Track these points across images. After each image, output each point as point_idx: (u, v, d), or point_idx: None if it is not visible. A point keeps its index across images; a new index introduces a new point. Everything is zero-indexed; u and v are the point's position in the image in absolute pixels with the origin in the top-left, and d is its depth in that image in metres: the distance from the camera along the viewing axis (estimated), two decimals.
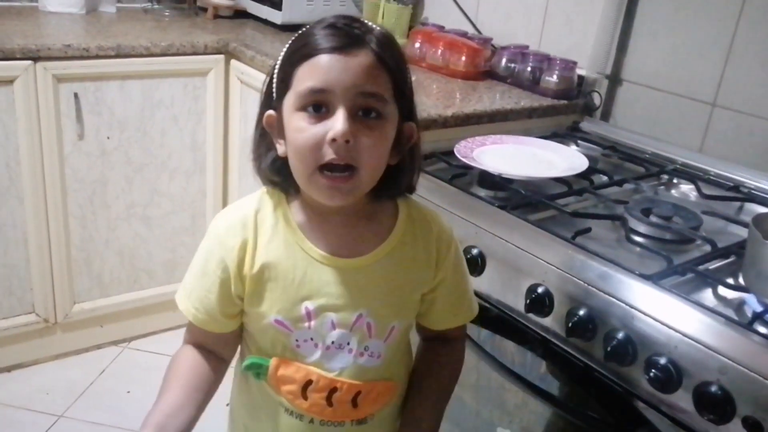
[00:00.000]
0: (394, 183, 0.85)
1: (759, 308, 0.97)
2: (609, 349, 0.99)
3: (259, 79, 1.89)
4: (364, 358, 0.86)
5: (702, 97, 1.57)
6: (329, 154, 0.75)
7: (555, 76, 1.77)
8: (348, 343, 0.85)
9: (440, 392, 0.95)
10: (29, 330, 2.01)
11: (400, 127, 0.81)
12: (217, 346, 0.90)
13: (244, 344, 0.92)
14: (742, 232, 1.21)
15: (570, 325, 1.04)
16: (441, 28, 2.08)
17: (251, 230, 0.84)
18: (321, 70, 0.75)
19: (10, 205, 1.85)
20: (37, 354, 2.07)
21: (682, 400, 0.93)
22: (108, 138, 1.94)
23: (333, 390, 0.86)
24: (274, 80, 0.82)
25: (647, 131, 1.66)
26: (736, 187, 1.43)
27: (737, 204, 1.38)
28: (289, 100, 0.78)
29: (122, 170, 2.00)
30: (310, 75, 0.76)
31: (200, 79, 2.02)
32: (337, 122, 0.74)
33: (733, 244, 1.16)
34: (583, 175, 1.38)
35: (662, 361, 0.94)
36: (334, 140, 0.74)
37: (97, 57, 1.84)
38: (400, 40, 2.23)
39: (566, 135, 1.67)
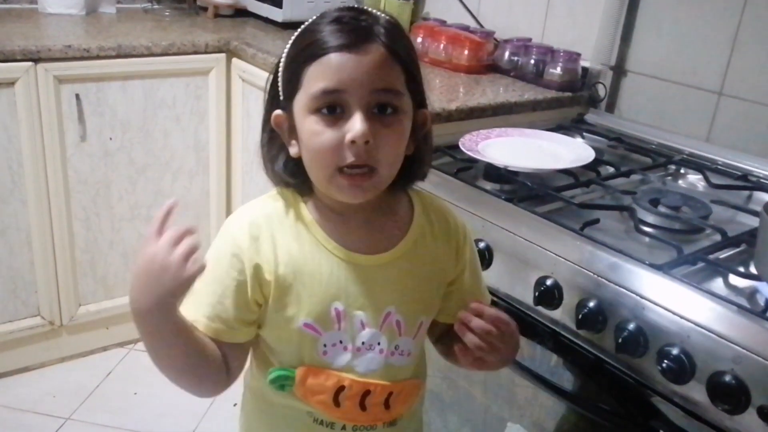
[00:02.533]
0: (411, 172, 0.83)
1: None
2: (620, 340, 0.98)
3: (261, 77, 1.88)
4: (395, 357, 0.84)
5: (708, 86, 1.56)
6: (349, 157, 0.73)
7: (559, 69, 1.76)
8: (378, 343, 0.83)
9: None
10: (35, 333, 2.00)
11: (414, 115, 0.79)
12: (226, 357, 0.83)
13: (261, 361, 0.87)
14: (752, 221, 1.19)
15: (580, 317, 1.03)
16: (443, 22, 2.07)
17: (268, 232, 0.80)
18: (332, 69, 0.73)
19: (13, 208, 1.84)
20: (43, 357, 2.07)
21: (696, 390, 0.92)
22: (110, 139, 1.93)
23: (366, 393, 0.83)
24: (280, 79, 0.80)
25: (653, 122, 1.65)
26: (745, 176, 1.42)
27: (746, 193, 1.37)
28: (301, 102, 0.76)
29: (125, 171, 1.99)
30: (321, 75, 0.73)
31: (202, 78, 2.01)
32: (356, 124, 0.72)
33: (743, 233, 1.15)
34: (590, 167, 1.37)
35: (675, 351, 0.93)
36: (353, 142, 0.72)
37: (98, 57, 1.83)
38: None
39: (571, 127, 1.66)
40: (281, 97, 0.80)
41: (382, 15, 0.78)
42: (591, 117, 1.72)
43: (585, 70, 1.76)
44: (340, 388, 0.82)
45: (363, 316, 0.82)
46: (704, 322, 0.91)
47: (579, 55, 1.76)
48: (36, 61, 1.75)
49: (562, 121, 1.69)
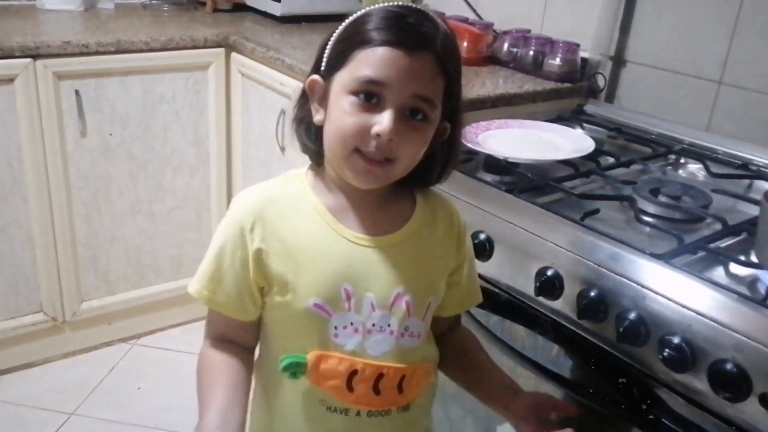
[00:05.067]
0: (417, 175, 0.84)
1: None
2: (621, 329, 0.98)
3: (260, 71, 1.88)
4: (405, 339, 0.85)
5: (708, 76, 1.55)
6: (370, 146, 0.76)
7: (558, 60, 1.76)
8: (389, 325, 0.84)
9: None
10: (38, 329, 2.01)
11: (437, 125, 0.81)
12: (239, 334, 0.88)
13: (270, 353, 0.88)
14: (752, 210, 1.19)
15: (581, 307, 1.03)
16: (441, 14, 2.04)
17: (275, 213, 0.82)
18: (383, 62, 0.74)
19: (14, 205, 1.85)
20: (47, 353, 2.07)
21: (697, 379, 0.92)
22: (110, 135, 1.93)
23: (380, 376, 0.83)
24: (327, 50, 0.81)
25: (653, 112, 1.65)
26: (745, 164, 1.41)
27: (746, 182, 1.37)
28: (342, 79, 0.78)
29: (126, 167, 1.99)
30: (370, 63, 0.75)
31: (201, 73, 2.01)
32: (385, 119, 0.75)
33: (743, 222, 1.15)
34: (590, 157, 1.37)
35: (676, 340, 0.93)
36: (378, 135, 0.75)
37: (97, 53, 1.83)
38: None
39: (571, 118, 1.66)
40: (323, 66, 0.81)
41: (443, 26, 0.79)
42: (590, 108, 1.72)
43: (584, 60, 1.76)
44: (353, 372, 0.82)
45: (373, 297, 0.82)
46: (705, 311, 0.91)
47: (578, 45, 1.75)
48: (35, 57, 1.75)
49: (561, 111, 1.69)
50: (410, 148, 0.78)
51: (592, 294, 1.02)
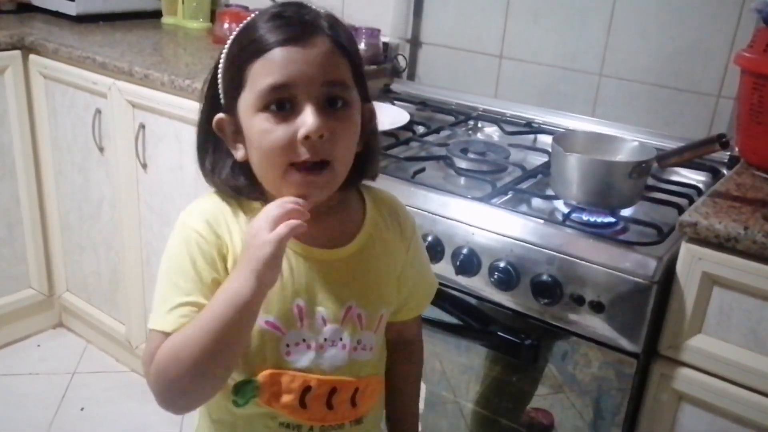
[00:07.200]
0: (361, 170, 0.83)
1: (566, 210, 1.19)
2: (458, 264, 1.16)
3: (67, 71, 1.83)
4: (358, 352, 0.84)
5: (490, 51, 1.80)
6: (303, 153, 0.72)
7: (363, 44, 1.91)
8: (341, 339, 0.82)
9: (417, 395, 1.03)
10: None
11: (360, 110, 0.79)
12: None
13: None
14: (541, 158, 1.44)
15: None
16: (245, 8, 2.13)
17: (224, 228, 0.78)
18: (279, 64, 0.71)
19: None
20: None
21: (522, 294, 1.12)
22: None
23: (333, 391, 0.82)
24: (220, 81, 0.78)
25: (449, 85, 1.86)
26: (529, 123, 1.67)
27: (532, 136, 1.62)
28: (247, 101, 0.74)
29: None
30: (268, 71, 0.72)
31: None
32: (308, 118, 0.71)
33: (537, 166, 1.39)
34: (406, 128, 1.55)
35: (502, 264, 1.12)
36: (307, 138, 0.71)
37: None
38: (204, 24, 2.24)
39: (381, 96, 1.83)
40: (222, 100, 0.78)
41: (322, 9, 0.77)
42: (396, 86, 1.90)
43: (386, 44, 1.94)
44: (307, 389, 0.81)
45: (324, 311, 0.81)
46: (521, 236, 1.12)
47: (379, 30, 1.92)
48: None
49: (371, 91, 1.84)
50: (344, 140, 0.75)
51: (430, 238, 1.19)
